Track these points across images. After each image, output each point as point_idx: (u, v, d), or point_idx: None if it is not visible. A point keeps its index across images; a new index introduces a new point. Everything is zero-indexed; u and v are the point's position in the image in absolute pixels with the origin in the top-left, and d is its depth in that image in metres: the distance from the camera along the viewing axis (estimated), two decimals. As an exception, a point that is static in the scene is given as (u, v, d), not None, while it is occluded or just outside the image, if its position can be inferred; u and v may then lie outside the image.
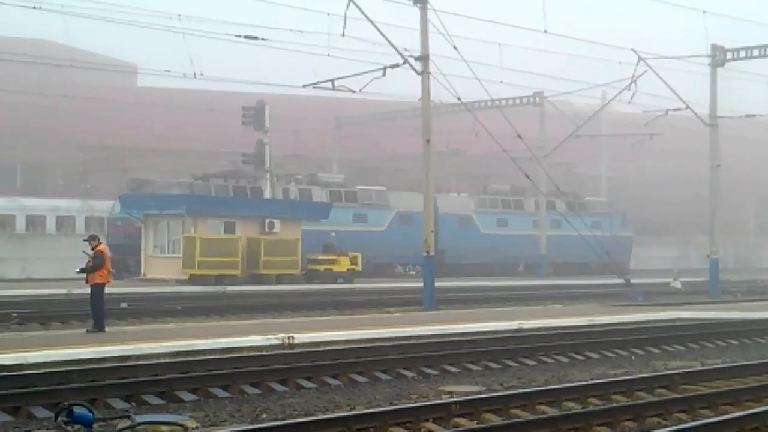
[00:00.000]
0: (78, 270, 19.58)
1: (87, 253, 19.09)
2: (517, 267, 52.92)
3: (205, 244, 36.57)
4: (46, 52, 52.72)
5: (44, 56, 46.82)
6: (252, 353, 16.48)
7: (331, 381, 14.79)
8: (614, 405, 12.78)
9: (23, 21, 56.58)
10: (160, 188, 42.39)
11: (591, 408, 12.63)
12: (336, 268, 40.02)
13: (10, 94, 55.13)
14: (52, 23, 51.84)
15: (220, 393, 13.57)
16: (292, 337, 17.70)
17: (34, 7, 30.65)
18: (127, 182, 44.77)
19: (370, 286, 38.58)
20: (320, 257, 40.19)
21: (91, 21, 36.92)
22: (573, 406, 12.86)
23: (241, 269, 37.45)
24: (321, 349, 17.27)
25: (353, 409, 12.59)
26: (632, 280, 36.09)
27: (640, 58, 37.14)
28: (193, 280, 35.91)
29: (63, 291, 30.34)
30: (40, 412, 11.96)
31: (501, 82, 38.61)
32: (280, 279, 38.22)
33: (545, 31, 34.12)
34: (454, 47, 28.04)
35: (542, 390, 13.57)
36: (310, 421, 10.88)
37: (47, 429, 11.17)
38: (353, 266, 40.67)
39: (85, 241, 19.50)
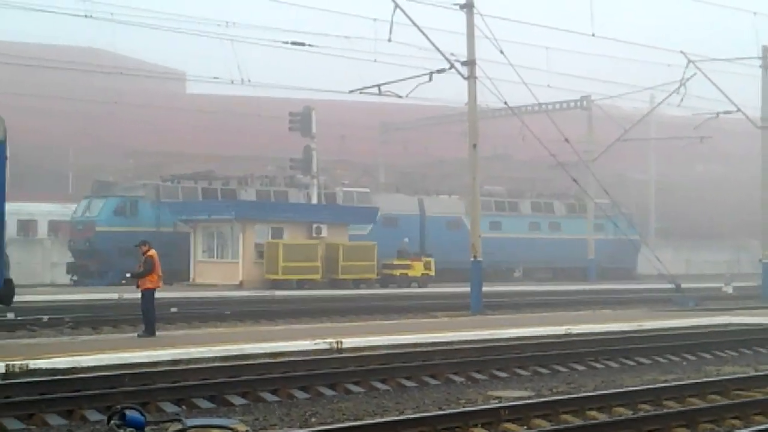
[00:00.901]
0: (129, 275, 19.83)
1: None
2: (513, 272, 50.36)
3: (288, 249, 37.55)
4: (97, 60, 53.48)
5: (94, 64, 47.51)
6: (301, 357, 16.54)
7: (379, 385, 14.79)
8: (666, 411, 12.65)
9: (74, 29, 57.46)
10: (124, 190, 41.42)
11: (642, 414, 12.51)
12: (411, 273, 41.21)
13: (62, 101, 56.03)
14: (102, 31, 52.71)
15: (270, 397, 13.64)
16: (341, 341, 17.75)
17: (85, 16, 31.18)
18: (91, 184, 43.24)
19: (415, 292, 38.61)
20: (395, 262, 41.30)
21: (140, 29, 37.42)
22: (623, 412, 12.74)
23: (321, 274, 38.33)
24: (369, 353, 17.27)
25: (402, 413, 12.58)
26: (682, 285, 35.67)
27: (689, 61, 36.78)
28: (276, 284, 36.78)
29: (114, 296, 30.73)
30: (93, 416, 12.11)
31: (548, 86, 38.47)
32: (357, 283, 38.99)
33: (593, 35, 33.91)
34: (501, 52, 27.96)
35: (592, 395, 13.46)
36: (360, 426, 10.89)
37: (100, 432, 11.32)
38: (427, 271, 41.75)
39: (135, 246, 19.71)
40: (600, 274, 50.87)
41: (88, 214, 40.17)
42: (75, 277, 39.94)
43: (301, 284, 37.29)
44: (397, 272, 40.98)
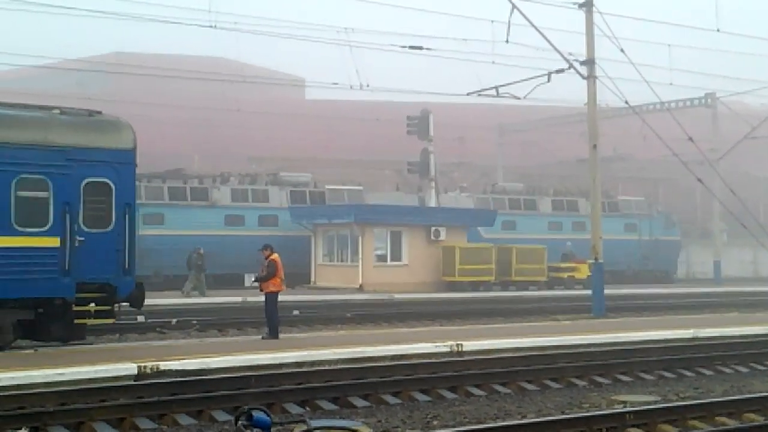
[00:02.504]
0: (253, 279, 20.28)
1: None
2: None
3: (463, 253, 39.00)
4: (221, 68, 54.88)
5: (218, 73, 48.77)
6: (421, 360, 16.62)
7: (500, 389, 14.75)
8: (799, 418, 12.24)
9: (200, 39, 59.10)
10: None
11: (774, 420, 12.13)
12: (577, 275, 42.44)
13: (188, 110, 57.67)
14: (226, 41, 54.08)
15: (391, 399, 13.75)
16: (461, 344, 17.76)
17: (210, 26, 32.10)
18: None
19: (536, 294, 38.29)
20: (562, 265, 42.81)
21: (261, 37, 38.21)
22: (755, 418, 12.38)
23: (495, 276, 39.74)
24: (490, 356, 17.23)
25: (524, 417, 12.52)
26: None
27: (820, 54, 35.40)
28: (451, 286, 38.54)
29: (238, 299, 31.43)
30: (221, 416, 12.44)
31: (671, 84, 37.62)
32: (526, 285, 40.54)
33: (718, 30, 33.02)
34: (621, 50, 27.42)
35: (721, 401, 13.13)
36: (482, 429, 10.89)
37: (228, 432, 11.62)
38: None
39: (259, 251, 20.14)
40: (633, 277, 48.51)
41: None
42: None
43: (474, 286, 38.75)
44: (565, 275, 42.41)
